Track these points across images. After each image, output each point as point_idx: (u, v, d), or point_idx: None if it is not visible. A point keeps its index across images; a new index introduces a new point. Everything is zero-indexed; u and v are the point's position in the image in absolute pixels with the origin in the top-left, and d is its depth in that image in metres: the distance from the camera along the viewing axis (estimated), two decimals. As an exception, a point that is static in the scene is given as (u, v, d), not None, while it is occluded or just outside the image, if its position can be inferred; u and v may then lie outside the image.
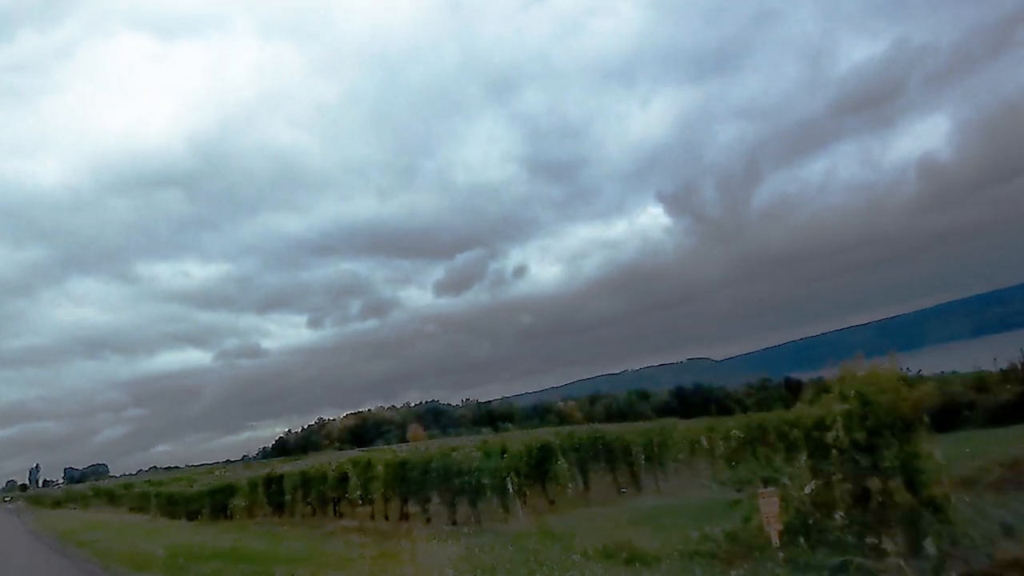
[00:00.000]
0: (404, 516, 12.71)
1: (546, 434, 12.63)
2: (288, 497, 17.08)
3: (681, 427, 12.91)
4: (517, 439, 12.88)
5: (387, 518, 13.47)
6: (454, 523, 11.19)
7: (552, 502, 11.73)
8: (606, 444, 11.81)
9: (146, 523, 22.80)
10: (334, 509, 15.55)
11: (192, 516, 24.35)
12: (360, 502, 14.39)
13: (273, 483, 17.87)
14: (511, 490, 10.00)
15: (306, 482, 16.33)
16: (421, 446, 18.13)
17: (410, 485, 12.31)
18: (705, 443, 13.18)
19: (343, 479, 14.91)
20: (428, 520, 11.91)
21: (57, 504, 44.91)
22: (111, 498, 44.42)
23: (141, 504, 33.23)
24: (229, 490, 20.63)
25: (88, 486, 55.66)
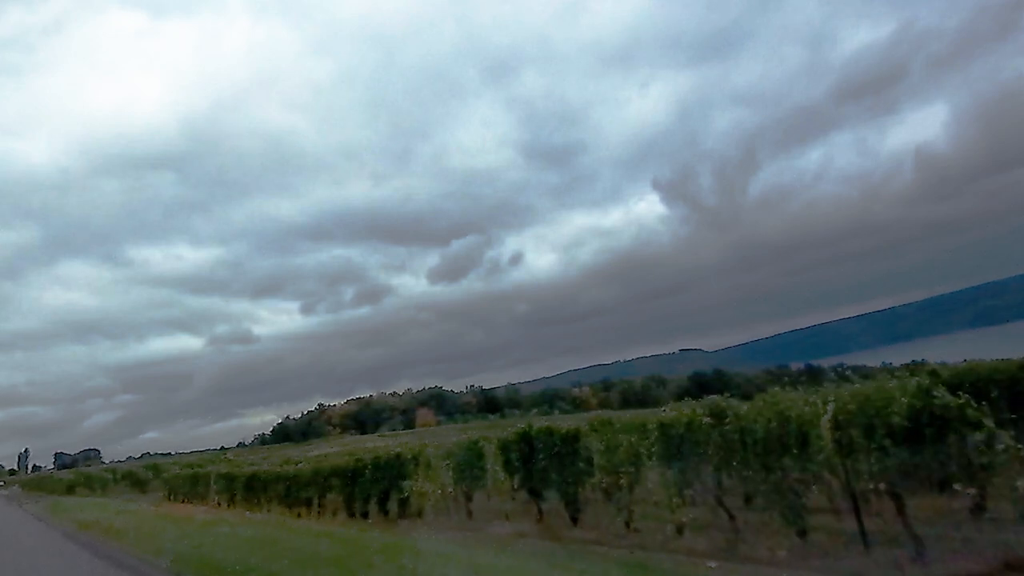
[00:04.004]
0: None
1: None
2: (557, 479, 9.41)
3: None
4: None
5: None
6: None
7: None
8: None
9: (319, 529, 13.20)
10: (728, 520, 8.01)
11: (292, 507, 17.13)
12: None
13: (526, 445, 10.03)
14: None
15: (612, 448, 8.72)
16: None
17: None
18: None
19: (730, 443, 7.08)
20: None
21: (71, 489, 37.79)
22: (134, 481, 37.99)
23: (189, 489, 26.23)
24: (394, 466, 12.65)
25: (104, 468, 48.69)
